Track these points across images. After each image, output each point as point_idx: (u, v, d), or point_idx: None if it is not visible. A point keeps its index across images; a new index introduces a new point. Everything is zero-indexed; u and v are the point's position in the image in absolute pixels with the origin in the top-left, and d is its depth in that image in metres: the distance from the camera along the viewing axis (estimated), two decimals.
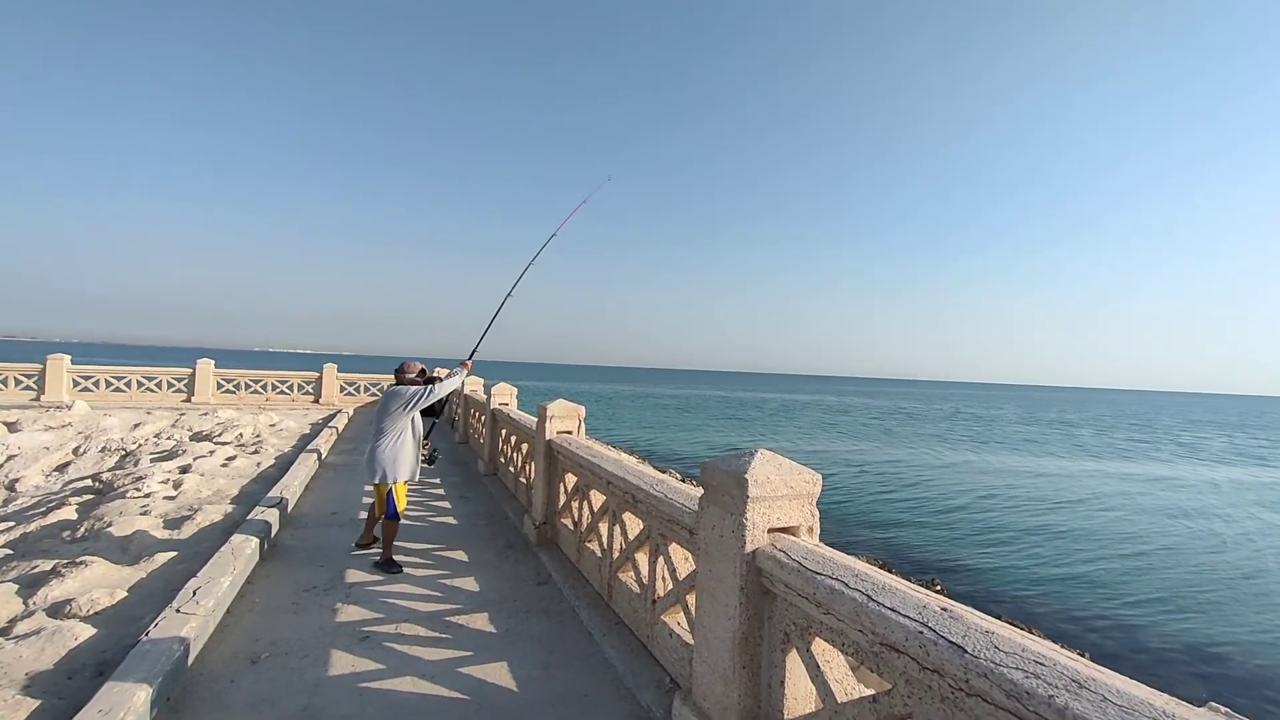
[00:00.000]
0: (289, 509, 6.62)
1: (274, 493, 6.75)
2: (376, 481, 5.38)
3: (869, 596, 1.95)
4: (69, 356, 16.68)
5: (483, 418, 10.47)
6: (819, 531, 2.68)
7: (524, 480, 7.29)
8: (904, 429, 47.31)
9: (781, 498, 2.57)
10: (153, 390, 17.57)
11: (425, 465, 5.82)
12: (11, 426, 13.15)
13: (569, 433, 5.88)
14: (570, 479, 5.50)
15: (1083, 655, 7.49)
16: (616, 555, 4.25)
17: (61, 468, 11.78)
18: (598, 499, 4.83)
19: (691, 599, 3.20)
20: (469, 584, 4.84)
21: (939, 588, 10.24)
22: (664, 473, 18.66)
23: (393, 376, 5.81)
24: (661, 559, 3.57)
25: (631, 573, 4.09)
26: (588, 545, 4.86)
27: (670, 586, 3.45)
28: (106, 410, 15.34)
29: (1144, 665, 8.40)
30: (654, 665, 3.48)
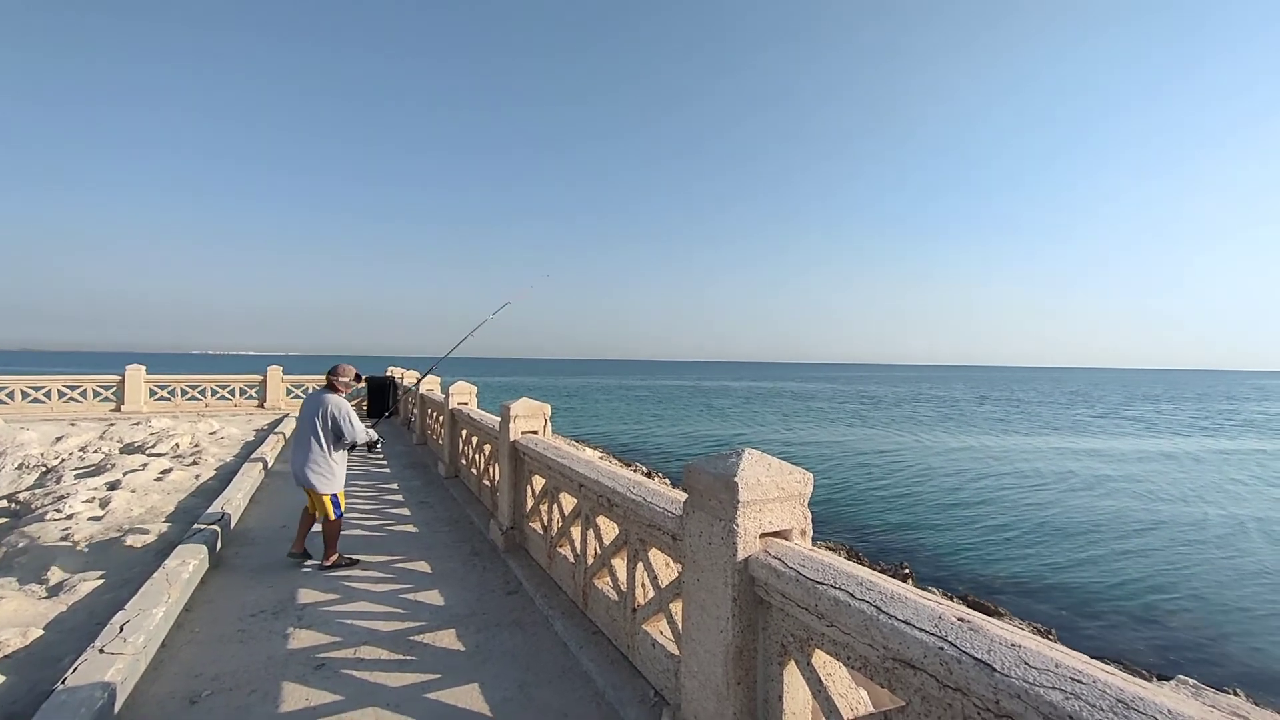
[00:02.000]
0: (232, 524, 6.14)
1: (215, 507, 6.26)
2: (322, 492, 5.09)
3: (878, 608, 1.81)
4: None
5: (441, 418, 10.05)
6: (811, 533, 2.55)
7: (488, 483, 6.99)
8: (876, 413, 48.39)
9: (773, 500, 2.41)
10: (77, 400, 16.28)
11: (367, 452, 5.59)
12: None
13: (535, 432, 5.63)
14: (538, 481, 5.25)
15: (1049, 632, 7.69)
16: (591, 561, 4.04)
17: None
18: (569, 502, 4.61)
19: (676, 608, 3.03)
20: (433, 598, 4.55)
21: (906, 570, 10.44)
22: (630, 467, 18.44)
23: (327, 374, 5.45)
24: (641, 565, 3.39)
25: (608, 579, 3.90)
26: (559, 550, 4.64)
27: (652, 594, 3.27)
28: (23, 424, 14.11)
29: (1101, 634, 8.75)
30: (636, 677, 3.30)
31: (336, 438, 5.18)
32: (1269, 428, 42.22)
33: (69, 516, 6.57)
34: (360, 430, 5.23)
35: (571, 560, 4.37)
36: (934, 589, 8.93)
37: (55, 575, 4.89)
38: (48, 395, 15.99)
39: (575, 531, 4.40)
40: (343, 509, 5.27)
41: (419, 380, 11.22)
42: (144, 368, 17.03)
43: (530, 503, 5.36)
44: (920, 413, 49.50)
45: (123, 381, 16.62)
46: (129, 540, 5.63)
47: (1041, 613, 9.07)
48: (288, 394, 19.07)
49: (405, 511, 7.06)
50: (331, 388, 5.34)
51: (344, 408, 5.16)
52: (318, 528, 5.56)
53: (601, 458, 18.55)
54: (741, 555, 2.33)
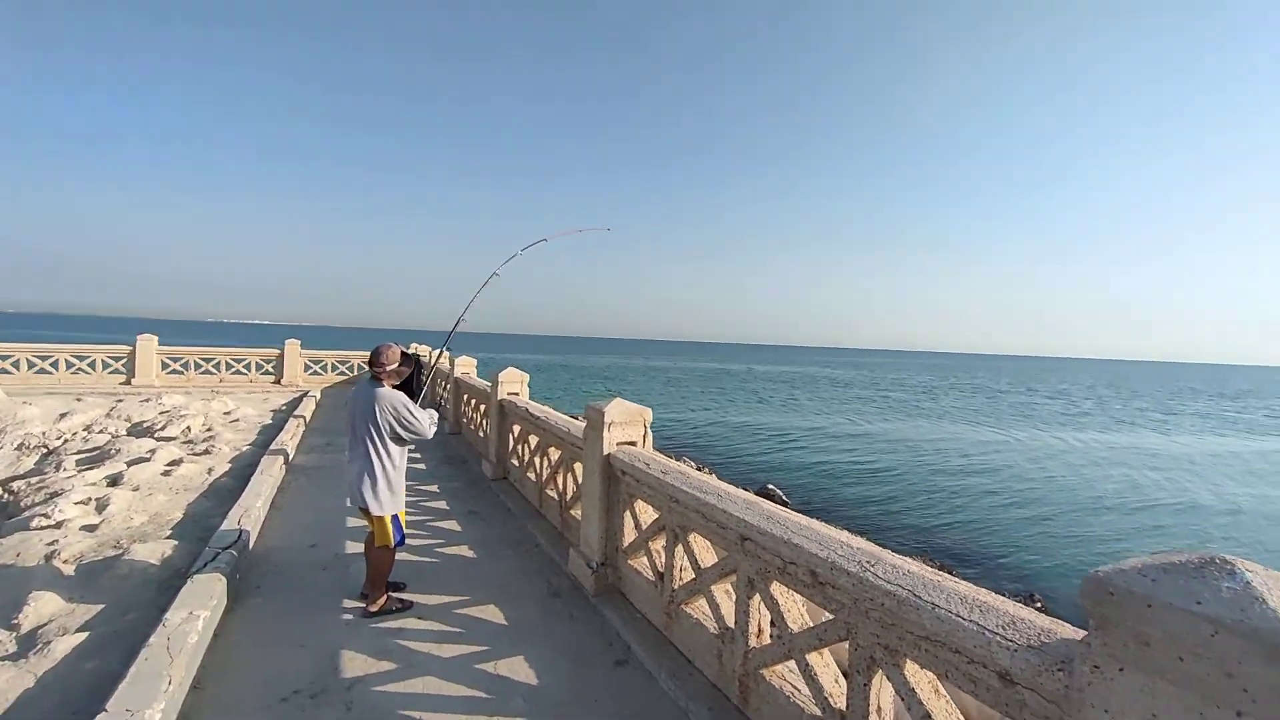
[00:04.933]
0: (251, 543, 5.04)
1: (230, 520, 5.15)
2: (380, 514, 3.96)
3: None
4: None
5: (484, 407, 8.90)
6: None
7: (554, 496, 5.84)
8: (932, 403, 45.82)
9: None
10: (86, 371, 15.30)
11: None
12: None
13: (633, 443, 4.44)
14: (645, 510, 4.07)
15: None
16: (759, 642, 2.87)
17: None
18: (705, 549, 3.43)
19: None
20: (519, 669, 3.41)
21: (1038, 604, 9.14)
22: (679, 460, 17.00)
23: (367, 362, 4.27)
24: (883, 679, 2.21)
25: (794, 675, 2.72)
26: (686, 610, 3.47)
27: None
28: (27, 398, 13.17)
29: None
30: None
31: (396, 440, 4.02)
32: None
33: (58, 524, 5.51)
34: (429, 423, 4.12)
35: (712, 628, 3.20)
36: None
37: (29, 617, 3.79)
38: (55, 365, 15.01)
39: (720, 592, 3.22)
40: (404, 532, 4.16)
41: (438, 355, 9.61)
42: (156, 338, 15.99)
43: (631, 536, 4.19)
44: (975, 404, 46.98)
45: (134, 352, 15.61)
46: (127, 562, 4.53)
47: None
48: (306, 370, 18.05)
49: (454, 526, 5.93)
50: (378, 379, 4.12)
51: (401, 403, 3.97)
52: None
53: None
54: None
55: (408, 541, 5.38)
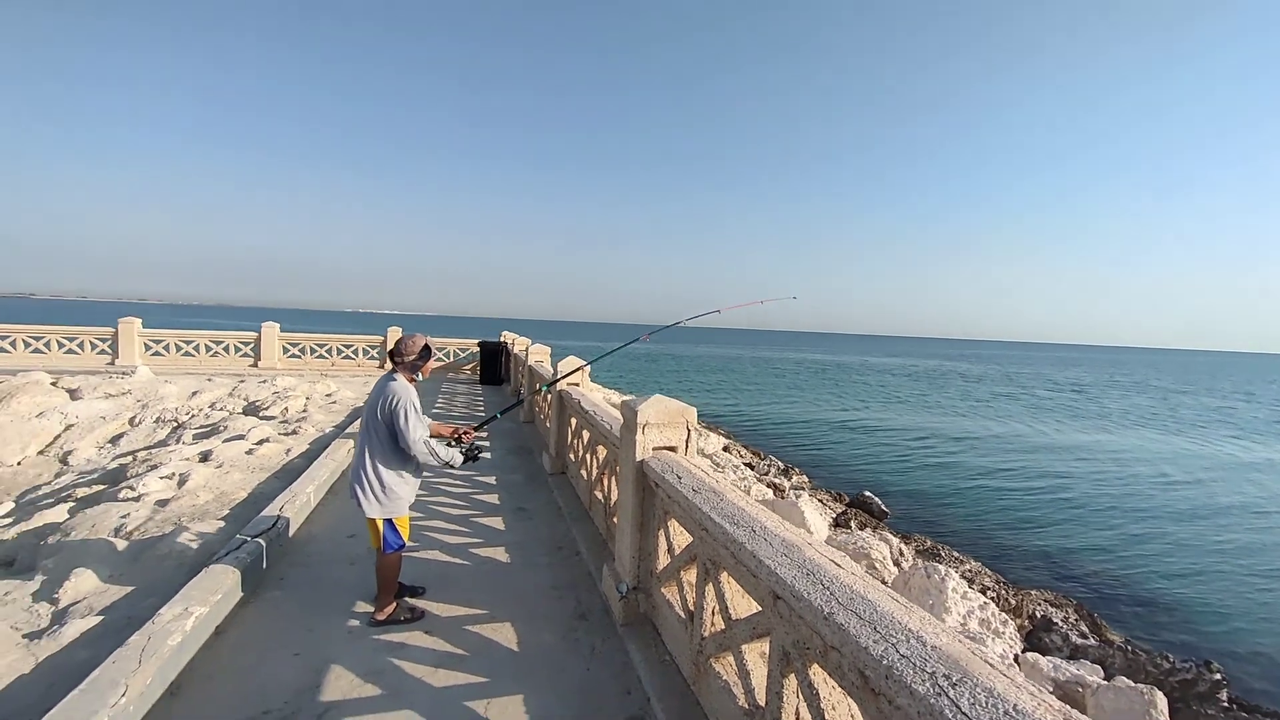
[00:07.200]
0: (292, 530, 4.95)
1: (274, 505, 5.10)
2: (370, 516, 3.59)
3: None
4: (139, 320, 16.32)
5: (549, 396, 8.57)
6: None
7: (600, 497, 5.30)
8: (1088, 404, 40.37)
9: None
10: (220, 354, 17.07)
11: (467, 460, 3.90)
12: (73, 394, 12.68)
13: (671, 449, 3.76)
14: (679, 532, 3.40)
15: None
16: None
17: (115, 439, 11.04)
18: (739, 594, 2.70)
19: None
20: (511, 713, 2.88)
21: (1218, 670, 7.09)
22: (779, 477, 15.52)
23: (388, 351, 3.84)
24: None
25: None
26: (714, 666, 2.76)
27: None
28: (169, 377, 14.80)
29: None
30: None
31: (394, 442, 3.63)
32: None
33: (138, 497, 5.80)
34: (418, 438, 3.52)
35: (743, 704, 2.47)
36: None
37: (68, 593, 3.85)
38: (196, 349, 16.86)
39: (753, 655, 2.48)
40: (405, 540, 3.76)
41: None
42: (277, 325, 17.49)
43: (664, 560, 3.53)
44: (1143, 404, 40.42)
45: (259, 338, 17.17)
46: (170, 542, 4.56)
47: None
48: None
49: (498, 523, 5.57)
50: (398, 365, 3.73)
51: (401, 400, 3.53)
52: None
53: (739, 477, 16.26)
54: None
55: (445, 534, 5.10)
